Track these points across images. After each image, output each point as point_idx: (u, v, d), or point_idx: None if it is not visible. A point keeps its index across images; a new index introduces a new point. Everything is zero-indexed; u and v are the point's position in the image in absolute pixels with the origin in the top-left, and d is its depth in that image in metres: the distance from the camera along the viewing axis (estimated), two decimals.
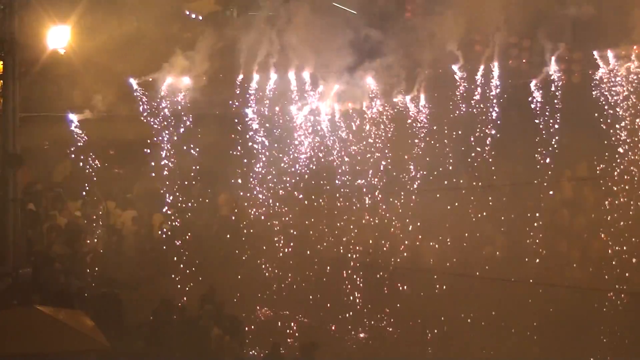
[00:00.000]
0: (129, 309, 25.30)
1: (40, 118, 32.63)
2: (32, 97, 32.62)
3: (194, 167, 31.38)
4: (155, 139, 31.43)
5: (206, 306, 24.42)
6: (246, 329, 24.30)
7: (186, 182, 31.59)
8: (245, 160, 31.53)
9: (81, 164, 30.85)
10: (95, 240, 28.66)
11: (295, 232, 29.56)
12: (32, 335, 20.13)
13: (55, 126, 32.53)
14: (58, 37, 27.90)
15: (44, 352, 19.95)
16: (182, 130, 31.71)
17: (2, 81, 26.64)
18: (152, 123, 31.91)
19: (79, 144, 31.24)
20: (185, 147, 31.50)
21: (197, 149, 31.47)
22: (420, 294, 27.49)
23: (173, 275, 27.93)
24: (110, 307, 24.55)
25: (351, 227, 29.74)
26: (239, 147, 31.75)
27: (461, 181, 31.43)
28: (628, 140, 32.50)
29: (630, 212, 30.29)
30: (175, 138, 31.64)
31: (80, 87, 34.92)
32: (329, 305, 27.23)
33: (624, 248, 28.85)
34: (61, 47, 28.31)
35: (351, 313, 27.11)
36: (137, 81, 32.53)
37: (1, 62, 27.09)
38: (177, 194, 30.90)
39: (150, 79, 32.85)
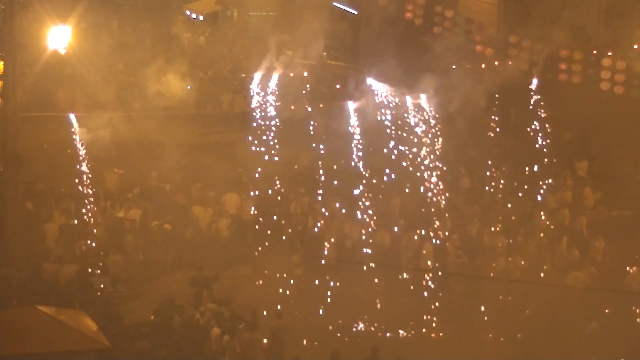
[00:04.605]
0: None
1: (40, 118, 32.71)
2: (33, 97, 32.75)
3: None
4: None
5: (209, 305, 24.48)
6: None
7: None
8: None
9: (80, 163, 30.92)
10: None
11: None
12: (33, 335, 20.13)
13: (55, 126, 32.60)
14: (58, 37, 27.87)
15: (44, 352, 19.95)
16: None
17: (2, 81, 26.63)
18: None
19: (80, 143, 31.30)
20: None
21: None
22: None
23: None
24: (114, 307, 24.59)
25: None
26: None
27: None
28: None
29: None
30: None
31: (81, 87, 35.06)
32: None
33: None
34: (62, 47, 28.29)
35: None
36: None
37: (2, 62, 27.11)
38: None
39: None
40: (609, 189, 31.56)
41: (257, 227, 29.76)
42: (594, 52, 34.61)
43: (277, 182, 31.13)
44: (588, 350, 24.21)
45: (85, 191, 29.78)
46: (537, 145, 33.98)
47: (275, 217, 29.92)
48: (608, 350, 24.10)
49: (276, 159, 32.24)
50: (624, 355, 24.13)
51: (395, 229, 29.16)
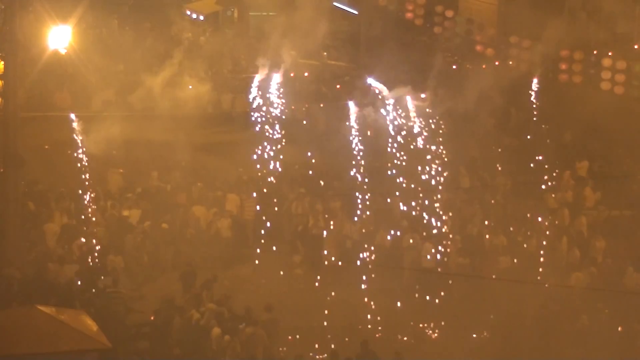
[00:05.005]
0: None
1: (40, 118, 32.69)
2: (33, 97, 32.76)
3: None
4: None
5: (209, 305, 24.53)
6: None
7: None
8: None
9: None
10: None
11: None
12: (33, 335, 20.12)
13: (56, 126, 32.59)
14: (59, 37, 27.87)
15: (44, 352, 19.93)
16: None
17: (2, 81, 26.61)
18: None
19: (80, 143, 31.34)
20: None
21: None
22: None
23: None
24: (115, 307, 24.58)
25: None
26: None
27: None
28: None
29: None
30: None
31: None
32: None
33: None
34: (62, 47, 28.30)
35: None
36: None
37: (2, 62, 27.10)
38: None
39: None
40: (609, 189, 31.55)
41: (257, 227, 29.77)
42: (594, 52, 34.63)
43: (278, 182, 31.14)
44: (587, 349, 24.25)
45: (86, 191, 29.79)
46: (537, 145, 34.00)
47: (276, 217, 29.92)
48: (601, 348, 24.16)
49: (277, 158, 32.22)
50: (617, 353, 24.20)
51: (396, 229, 29.17)
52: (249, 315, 24.14)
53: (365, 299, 27.07)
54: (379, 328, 25.93)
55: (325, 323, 25.96)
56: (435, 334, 26.04)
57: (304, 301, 26.98)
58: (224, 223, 29.42)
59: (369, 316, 26.33)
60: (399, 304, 27.02)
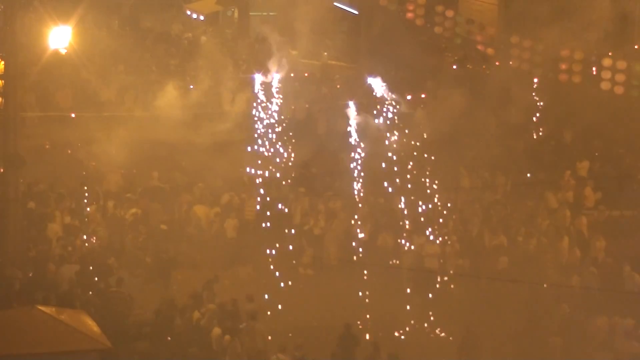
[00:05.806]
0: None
1: (41, 118, 32.72)
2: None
3: None
4: None
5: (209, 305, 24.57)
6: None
7: None
8: None
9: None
10: None
11: None
12: (33, 335, 20.13)
13: (56, 126, 32.63)
14: (59, 37, 27.90)
15: (44, 352, 19.94)
16: None
17: (2, 81, 26.64)
18: None
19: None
20: None
21: None
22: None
23: None
24: (117, 307, 24.60)
25: None
26: None
27: None
28: None
29: None
30: None
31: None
32: None
33: None
34: (62, 47, 28.32)
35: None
36: None
37: (2, 62, 27.13)
38: None
39: None
40: (609, 189, 31.57)
41: (257, 227, 29.80)
42: (595, 52, 34.60)
43: (278, 182, 31.16)
44: (586, 348, 24.28)
45: (87, 191, 29.81)
46: (538, 145, 33.99)
47: (276, 218, 29.95)
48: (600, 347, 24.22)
49: (277, 159, 32.24)
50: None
51: (396, 229, 29.19)
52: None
53: (365, 299, 27.09)
54: (378, 327, 25.97)
55: (325, 322, 26.00)
56: (434, 334, 26.07)
57: (304, 301, 27.02)
58: (230, 223, 29.47)
59: (368, 316, 26.37)
60: (398, 304, 27.03)
